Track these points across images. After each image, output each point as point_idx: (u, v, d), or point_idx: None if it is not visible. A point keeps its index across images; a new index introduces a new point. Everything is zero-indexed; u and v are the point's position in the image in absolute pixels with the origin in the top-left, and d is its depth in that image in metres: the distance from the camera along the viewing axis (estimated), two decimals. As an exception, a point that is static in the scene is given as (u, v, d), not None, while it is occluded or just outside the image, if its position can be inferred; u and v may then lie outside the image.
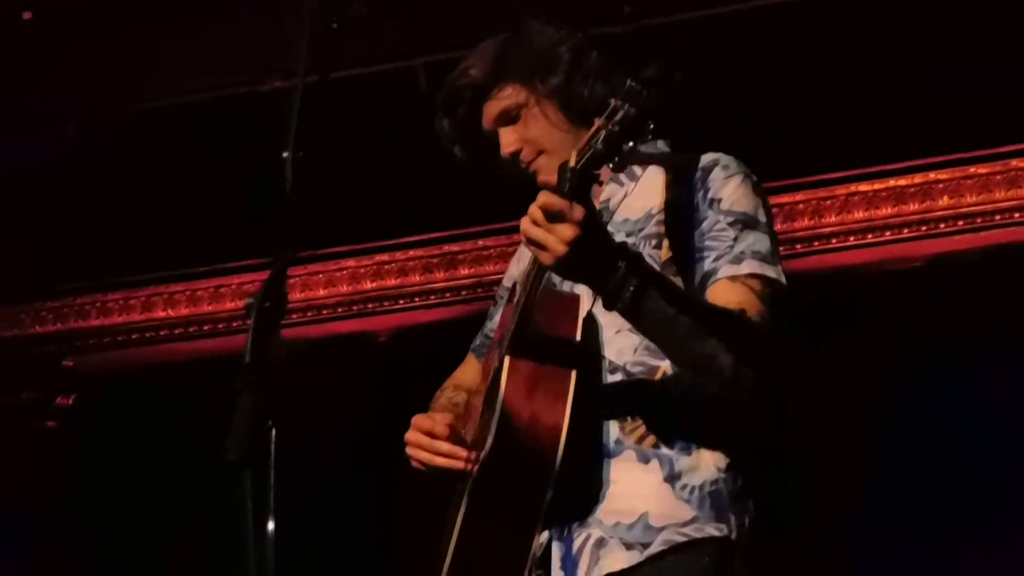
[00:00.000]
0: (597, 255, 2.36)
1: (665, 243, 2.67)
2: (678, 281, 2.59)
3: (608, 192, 2.83)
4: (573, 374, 2.51)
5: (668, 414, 2.60)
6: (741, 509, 2.60)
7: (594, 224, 2.35)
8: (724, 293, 2.56)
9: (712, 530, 2.55)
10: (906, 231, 4.50)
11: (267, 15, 4.59)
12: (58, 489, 4.96)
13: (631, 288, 2.36)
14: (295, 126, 2.24)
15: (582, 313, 2.62)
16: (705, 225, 2.64)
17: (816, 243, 4.55)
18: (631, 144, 2.20)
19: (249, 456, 1.84)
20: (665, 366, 2.61)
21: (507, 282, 3.10)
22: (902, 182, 4.48)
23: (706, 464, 2.58)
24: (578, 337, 2.58)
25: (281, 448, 1.92)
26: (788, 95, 4.31)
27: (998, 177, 4.41)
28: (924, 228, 4.48)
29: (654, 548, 2.52)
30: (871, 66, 4.29)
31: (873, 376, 4.28)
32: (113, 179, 4.88)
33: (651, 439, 2.58)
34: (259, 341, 1.91)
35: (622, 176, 2.81)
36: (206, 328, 5.11)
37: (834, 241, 4.54)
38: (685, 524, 2.54)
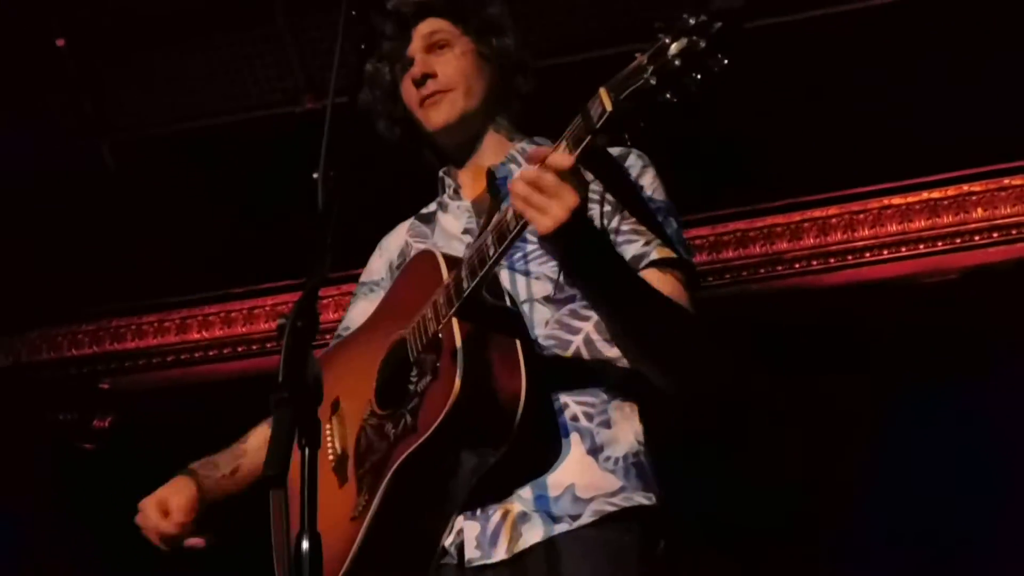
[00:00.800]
0: (590, 226, 2.43)
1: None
2: None
3: (506, 170, 2.84)
4: (518, 342, 2.51)
5: (584, 388, 2.62)
6: (663, 480, 2.61)
7: (587, 193, 2.39)
8: (655, 281, 2.59)
9: (641, 499, 2.55)
10: (940, 244, 4.48)
11: (302, 35, 4.62)
12: (96, 509, 4.98)
13: (610, 264, 2.44)
14: (326, 146, 2.24)
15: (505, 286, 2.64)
16: (629, 209, 2.69)
17: (850, 257, 4.53)
18: (699, 79, 2.18)
19: (285, 474, 1.84)
20: (578, 341, 2.64)
21: (369, 276, 3.06)
22: (936, 194, 4.46)
23: (625, 436, 2.60)
24: (508, 304, 2.61)
25: (315, 467, 1.93)
26: (820, 108, 4.31)
27: (1032, 188, 4.39)
28: (959, 240, 4.46)
29: (585, 519, 2.51)
30: (903, 78, 4.27)
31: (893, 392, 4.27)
32: (146, 201, 4.91)
33: (569, 412, 2.59)
34: (292, 361, 1.91)
35: (518, 156, 2.86)
36: (240, 349, 5.12)
37: (868, 255, 4.53)
38: (614, 494, 2.54)
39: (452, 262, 2.61)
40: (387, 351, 2.69)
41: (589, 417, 2.59)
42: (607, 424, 2.60)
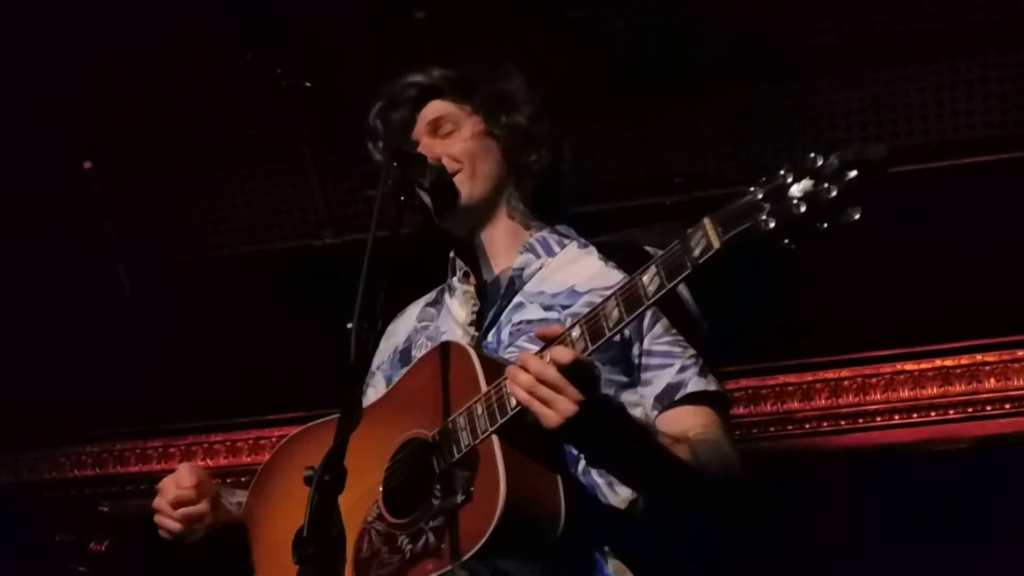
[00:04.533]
0: (605, 413, 2.26)
1: None
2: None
3: (522, 261, 2.70)
4: (556, 464, 2.35)
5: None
6: None
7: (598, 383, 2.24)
8: (691, 415, 2.49)
9: None
10: (952, 412, 4.47)
11: (326, 170, 4.67)
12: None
13: (632, 446, 2.29)
14: (361, 298, 2.23)
15: None
16: (659, 327, 2.55)
17: (860, 420, 4.53)
18: (825, 230, 1.98)
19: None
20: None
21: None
22: (949, 363, 4.47)
23: None
24: None
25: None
26: (837, 272, 4.33)
27: (1046, 362, 4.40)
28: (970, 410, 4.45)
29: None
30: (919, 247, 4.31)
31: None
32: (157, 328, 4.92)
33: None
34: (320, 515, 1.90)
35: (536, 246, 2.71)
36: (244, 480, 5.07)
37: (879, 419, 4.52)
38: None
39: (490, 368, 2.38)
40: (398, 448, 2.48)
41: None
42: None
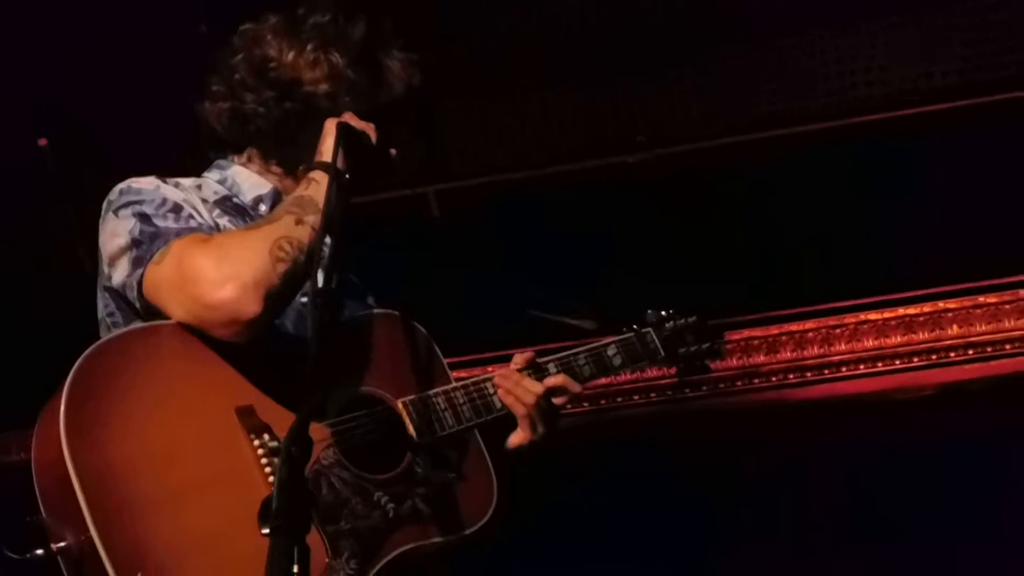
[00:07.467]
0: None
1: None
2: None
3: None
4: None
5: None
6: None
7: None
8: None
9: None
10: (916, 360, 4.49)
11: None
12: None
13: None
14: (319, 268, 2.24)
15: None
16: None
17: (826, 371, 4.55)
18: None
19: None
20: None
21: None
22: (912, 311, 4.50)
23: None
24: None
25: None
26: (800, 223, 4.36)
27: (1007, 307, 4.42)
28: (934, 357, 4.48)
29: None
30: (881, 196, 4.34)
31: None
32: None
33: None
34: (288, 488, 1.91)
35: None
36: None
37: (844, 369, 4.54)
38: None
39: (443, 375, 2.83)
40: (350, 401, 2.60)
41: None
42: None
